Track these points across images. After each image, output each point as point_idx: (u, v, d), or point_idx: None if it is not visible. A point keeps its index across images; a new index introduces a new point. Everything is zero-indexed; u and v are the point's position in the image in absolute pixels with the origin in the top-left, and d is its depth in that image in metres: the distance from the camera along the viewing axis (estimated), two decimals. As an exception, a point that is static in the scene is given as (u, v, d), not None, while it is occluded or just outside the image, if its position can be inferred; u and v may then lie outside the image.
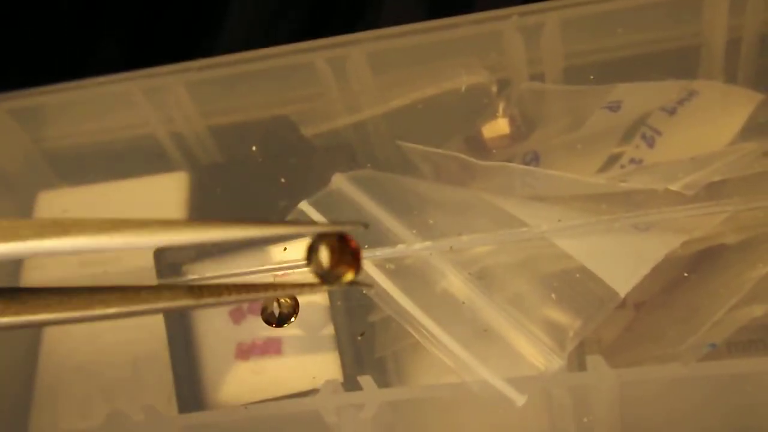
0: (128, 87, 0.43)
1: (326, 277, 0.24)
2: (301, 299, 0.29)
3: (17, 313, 0.21)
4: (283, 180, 0.41)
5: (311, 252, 0.24)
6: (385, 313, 0.33)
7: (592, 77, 0.40)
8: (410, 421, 0.34)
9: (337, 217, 0.34)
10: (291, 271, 0.35)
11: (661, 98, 0.38)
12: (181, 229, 0.21)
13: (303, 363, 0.37)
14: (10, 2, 0.55)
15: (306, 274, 0.24)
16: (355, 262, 0.24)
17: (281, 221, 0.25)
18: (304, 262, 0.24)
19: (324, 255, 0.24)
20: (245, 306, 0.38)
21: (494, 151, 0.40)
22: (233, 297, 0.23)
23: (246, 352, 0.38)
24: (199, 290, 0.22)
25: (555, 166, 0.38)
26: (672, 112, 0.38)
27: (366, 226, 0.24)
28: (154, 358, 0.39)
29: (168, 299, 0.22)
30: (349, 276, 0.24)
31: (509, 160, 0.38)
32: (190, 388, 0.37)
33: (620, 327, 0.37)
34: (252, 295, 0.23)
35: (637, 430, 0.34)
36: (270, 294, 0.24)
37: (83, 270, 0.42)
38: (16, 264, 0.43)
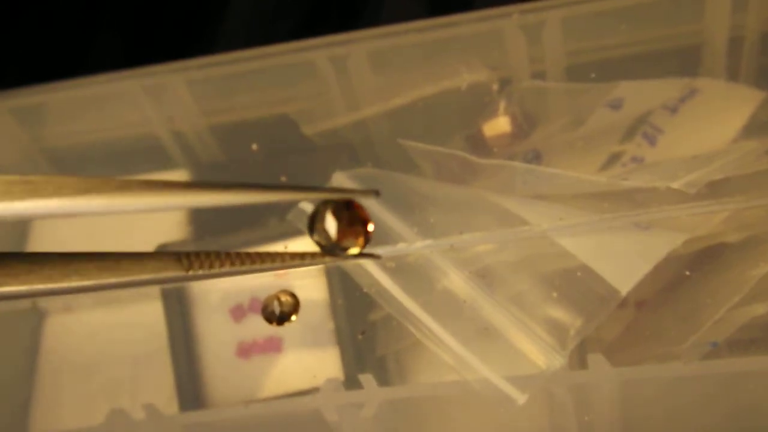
0: (129, 85, 0.43)
1: (331, 249, 0.23)
2: (302, 297, 0.29)
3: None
4: (283, 178, 0.41)
5: (315, 220, 0.23)
6: (386, 312, 0.33)
7: (593, 75, 0.40)
8: (411, 420, 0.34)
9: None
10: (293, 270, 0.35)
11: (663, 96, 0.38)
12: (180, 192, 0.20)
13: (304, 361, 0.37)
14: (10, 0, 0.55)
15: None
16: (363, 232, 0.23)
17: (285, 185, 0.23)
18: (308, 232, 0.23)
19: (330, 224, 0.22)
20: (246, 304, 0.38)
21: (495, 149, 0.40)
22: (226, 268, 0.21)
23: (247, 350, 0.38)
24: (188, 260, 0.21)
25: (556, 165, 0.38)
26: (674, 110, 0.38)
27: (378, 193, 0.23)
28: (154, 357, 0.39)
29: (153, 270, 0.20)
30: (356, 248, 0.23)
31: (510, 159, 0.38)
32: (190, 386, 0.37)
33: (621, 325, 0.37)
34: (246, 267, 0.22)
35: (638, 429, 0.34)
36: (265, 266, 0.23)
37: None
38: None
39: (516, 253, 0.33)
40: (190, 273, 0.21)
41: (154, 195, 0.19)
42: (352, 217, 0.23)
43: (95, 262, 0.20)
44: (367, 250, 0.23)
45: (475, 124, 0.41)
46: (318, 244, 0.23)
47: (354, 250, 0.23)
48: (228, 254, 0.21)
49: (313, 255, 0.23)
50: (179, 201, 0.20)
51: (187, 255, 0.21)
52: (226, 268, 0.21)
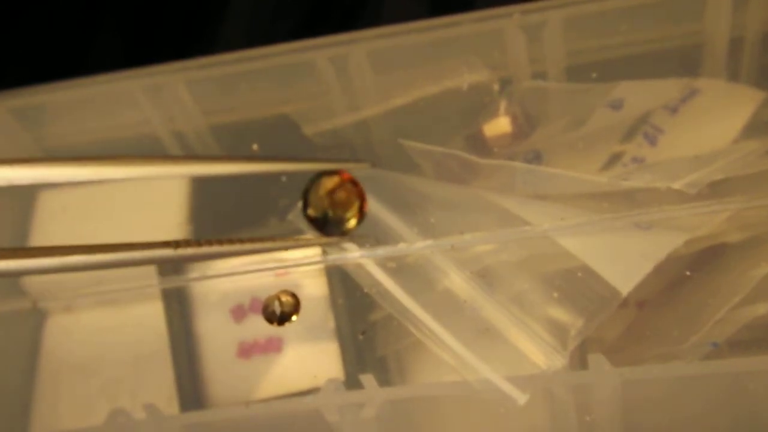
0: (129, 85, 0.43)
1: (325, 224, 0.22)
2: (302, 297, 0.29)
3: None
4: (283, 178, 0.41)
5: (310, 192, 0.22)
6: (386, 312, 0.33)
7: (594, 75, 0.40)
8: (412, 420, 0.34)
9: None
10: (293, 269, 0.35)
11: (664, 96, 0.38)
12: (174, 163, 0.20)
13: (304, 361, 0.37)
14: (10, 0, 0.55)
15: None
16: (358, 205, 0.22)
17: (282, 157, 0.23)
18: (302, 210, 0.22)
19: (324, 193, 0.22)
20: (246, 305, 0.38)
21: (495, 149, 0.40)
22: (214, 249, 0.21)
23: (247, 350, 0.38)
24: (176, 241, 0.21)
25: (557, 165, 0.38)
26: (674, 110, 0.38)
27: (374, 165, 0.22)
28: (155, 357, 0.39)
29: (142, 248, 0.21)
30: (352, 222, 0.23)
31: (511, 159, 0.38)
32: (191, 386, 0.37)
33: (622, 326, 0.37)
34: (236, 247, 0.22)
35: (639, 429, 0.34)
36: (256, 247, 0.22)
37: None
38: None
39: (517, 253, 0.33)
40: (179, 251, 0.21)
41: (146, 165, 0.19)
42: (347, 188, 0.23)
43: (85, 247, 0.20)
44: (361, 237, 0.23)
45: (475, 124, 0.41)
46: (312, 219, 0.23)
47: (351, 223, 0.23)
48: (219, 240, 0.21)
49: (306, 239, 0.23)
50: (175, 170, 0.20)
51: (176, 241, 0.21)
52: (215, 248, 0.21)
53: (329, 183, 0.23)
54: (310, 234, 0.26)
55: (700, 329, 0.32)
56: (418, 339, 0.31)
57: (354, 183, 0.23)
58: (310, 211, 0.23)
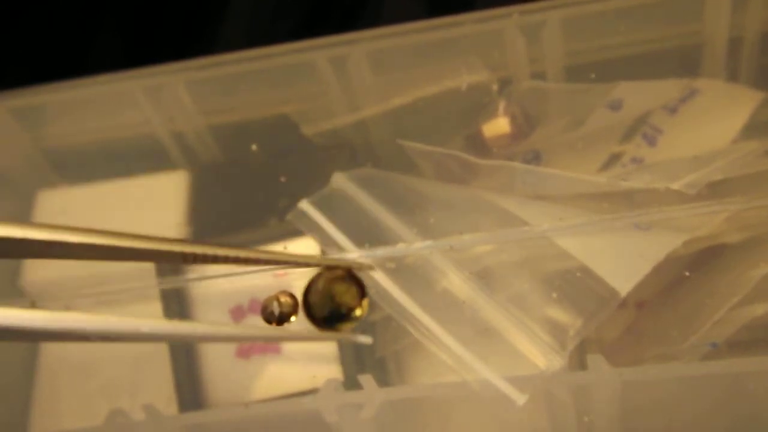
0: (129, 86, 0.43)
1: (328, 320, 0.23)
2: (302, 298, 0.29)
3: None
4: (283, 179, 0.41)
5: (310, 292, 0.23)
6: (385, 313, 0.32)
7: (593, 76, 0.40)
8: (411, 421, 0.34)
9: (338, 216, 0.34)
10: (292, 270, 0.35)
11: (663, 97, 0.38)
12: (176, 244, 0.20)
13: (303, 362, 0.37)
14: (10, 1, 0.55)
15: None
16: (358, 304, 0.23)
17: (282, 253, 0.24)
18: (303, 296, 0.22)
19: (325, 295, 0.22)
20: (245, 305, 0.38)
21: (495, 150, 0.40)
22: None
23: (246, 351, 0.38)
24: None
25: (556, 165, 0.38)
26: (673, 110, 0.38)
27: (372, 267, 0.23)
28: (154, 357, 0.39)
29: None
30: (351, 322, 0.23)
31: (510, 159, 0.38)
32: (190, 387, 0.37)
33: (621, 326, 0.37)
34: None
35: (638, 430, 0.34)
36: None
37: (83, 270, 0.42)
38: (17, 262, 0.43)
39: (516, 254, 0.33)
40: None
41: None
42: (348, 288, 0.23)
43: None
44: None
45: (474, 125, 0.41)
46: (312, 318, 0.23)
47: (351, 323, 0.23)
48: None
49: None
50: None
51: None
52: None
53: (329, 282, 0.23)
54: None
55: (699, 330, 0.32)
56: (417, 339, 0.31)
57: (356, 278, 0.23)
58: (313, 301, 0.23)
